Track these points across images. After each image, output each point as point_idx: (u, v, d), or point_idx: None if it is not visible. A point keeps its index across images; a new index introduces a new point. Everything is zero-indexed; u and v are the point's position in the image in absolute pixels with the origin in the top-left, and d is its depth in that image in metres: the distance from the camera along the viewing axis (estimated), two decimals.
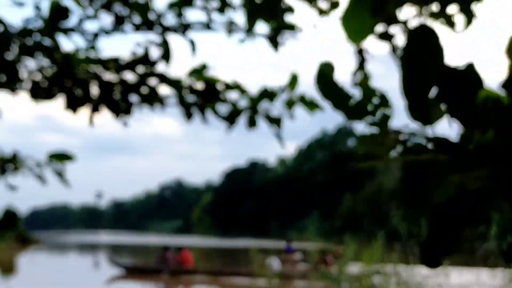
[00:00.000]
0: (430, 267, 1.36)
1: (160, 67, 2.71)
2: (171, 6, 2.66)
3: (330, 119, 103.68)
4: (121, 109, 2.69)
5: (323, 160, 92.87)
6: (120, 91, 2.67)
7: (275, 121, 2.44)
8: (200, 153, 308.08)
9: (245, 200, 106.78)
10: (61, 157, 2.69)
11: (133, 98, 2.75)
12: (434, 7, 1.99)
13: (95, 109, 2.70)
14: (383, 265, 12.61)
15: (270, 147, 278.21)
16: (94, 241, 64.54)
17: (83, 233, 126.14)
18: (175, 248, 21.35)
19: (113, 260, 21.96)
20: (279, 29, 2.58)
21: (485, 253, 11.76)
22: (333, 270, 15.47)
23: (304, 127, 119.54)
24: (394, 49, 2.16)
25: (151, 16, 2.64)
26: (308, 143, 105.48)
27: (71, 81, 2.72)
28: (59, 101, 2.80)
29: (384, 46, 2.21)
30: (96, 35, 2.70)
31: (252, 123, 2.54)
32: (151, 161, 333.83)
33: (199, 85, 2.66)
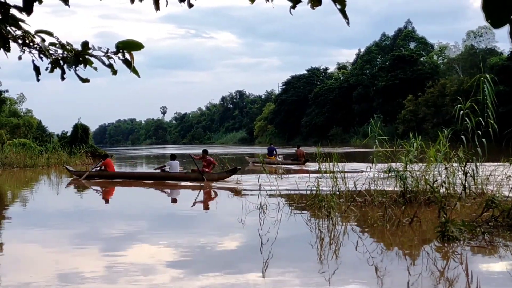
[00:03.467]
0: (496, 26, 1.37)
1: None
2: None
3: (390, 25, 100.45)
4: None
5: (384, 64, 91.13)
6: None
7: None
8: (260, 65, 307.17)
9: (306, 108, 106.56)
10: (129, 46, 2.71)
11: None
12: None
13: None
14: (448, 163, 12.57)
15: (330, 55, 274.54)
16: (160, 154, 66.18)
17: (150, 147, 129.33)
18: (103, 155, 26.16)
19: (67, 168, 26.19)
20: None
21: None
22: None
23: (365, 35, 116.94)
24: None
25: None
26: (368, 48, 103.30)
27: None
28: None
29: None
30: None
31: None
32: (212, 74, 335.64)
33: None
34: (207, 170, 21.66)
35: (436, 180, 11.87)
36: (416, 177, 12.43)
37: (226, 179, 21.21)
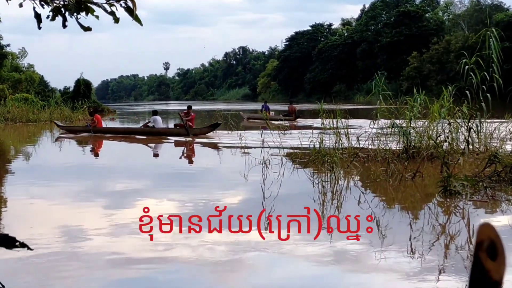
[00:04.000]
0: None
1: None
2: None
3: None
4: None
5: (388, 21, 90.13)
6: None
7: None
8: (263, 21, 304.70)
9: (310, 65, 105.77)
10: None
11: None
12: None
13: None
14: (452, 118, 12.52)
15: (334, 11, 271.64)
16: (163, 109, 66.13)
17: (153, 103, 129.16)
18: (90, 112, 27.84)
19: (55, 123, 26.99)
20: None
21: None
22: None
23: None
24: None
25: None
26: (373, 4, 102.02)
27: None
28: None
29: None
30: None
31: None
32: (215, 30, 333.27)
33: None
34: (190, 124, 22.40)
35: (440, 136, 11.86)
36: (420, 133, 12.42)
37: (207, 134, 21.97)
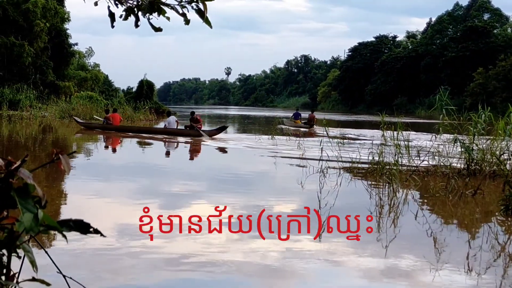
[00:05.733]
0: None
1: None
2: None
3: None
4: None
5: (455, 35, 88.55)
6: None
7: None
8: (327, 30, 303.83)
9: (372, 76, 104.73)
10: None
11: None
12: None
13: None
14: None
15: (399, 23, 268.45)
16: (222, 114, 66.69)
17: (212, 107, 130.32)
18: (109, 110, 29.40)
19: (75, 120, 28.91)
20: None
21: None
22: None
23: (437, 4, 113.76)
24: None
25: None
26: (439, 17, 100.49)
27: None
28: None
29: None
30: None
31: None
32: (278, 37, 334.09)
33: None
34: (199, 126, 24.34)
35: (503, 153, 11.57)
36: (482, 149, 12.14)
37: (215, 136, 23.73)
